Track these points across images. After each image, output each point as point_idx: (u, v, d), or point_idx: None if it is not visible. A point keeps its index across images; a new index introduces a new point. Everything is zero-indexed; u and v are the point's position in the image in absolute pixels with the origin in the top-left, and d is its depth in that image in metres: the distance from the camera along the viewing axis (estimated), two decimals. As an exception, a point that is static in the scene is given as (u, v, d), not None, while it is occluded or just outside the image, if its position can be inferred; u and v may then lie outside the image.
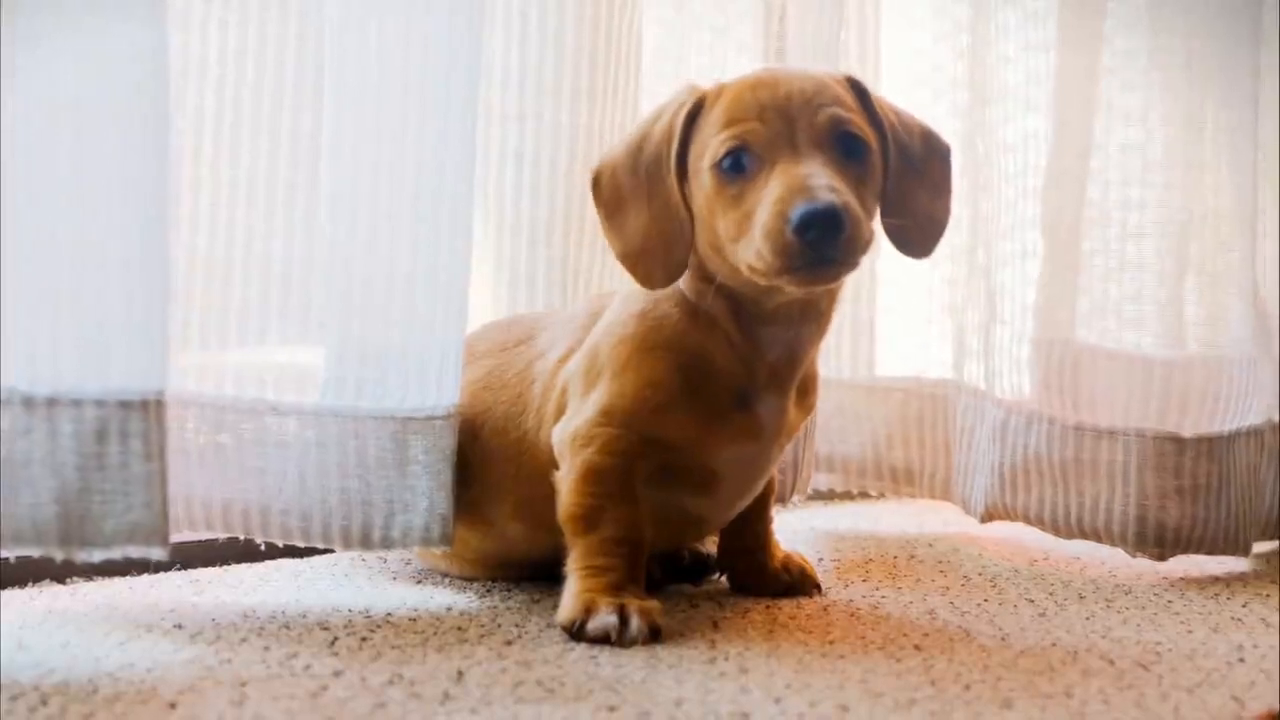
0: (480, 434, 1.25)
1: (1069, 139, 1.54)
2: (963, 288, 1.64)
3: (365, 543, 1.22)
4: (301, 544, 1.24)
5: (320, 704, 0.94)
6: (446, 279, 1.23)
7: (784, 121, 1.12)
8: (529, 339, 1.29)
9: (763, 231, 1.08)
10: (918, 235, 1.21)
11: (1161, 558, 1.48)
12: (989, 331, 1.57)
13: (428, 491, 1.22)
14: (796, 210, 1.06)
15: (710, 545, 1.37)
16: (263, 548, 1.30)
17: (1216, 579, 1.45)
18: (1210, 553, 1.49)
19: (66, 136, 1.04)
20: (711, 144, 1.13)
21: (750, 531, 1.32)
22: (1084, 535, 1.50)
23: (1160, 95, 1.53)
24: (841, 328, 1.69)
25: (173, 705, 0.93)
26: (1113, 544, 1.49)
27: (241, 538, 1.24)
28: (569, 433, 1.19)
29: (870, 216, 1.14)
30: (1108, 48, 1.54)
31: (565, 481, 1.18)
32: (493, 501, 1.26)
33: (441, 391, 1.23)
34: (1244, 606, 1.32)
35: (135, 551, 1.05)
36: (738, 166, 1.12)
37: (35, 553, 1.04)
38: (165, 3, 1.08)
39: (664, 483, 1.20)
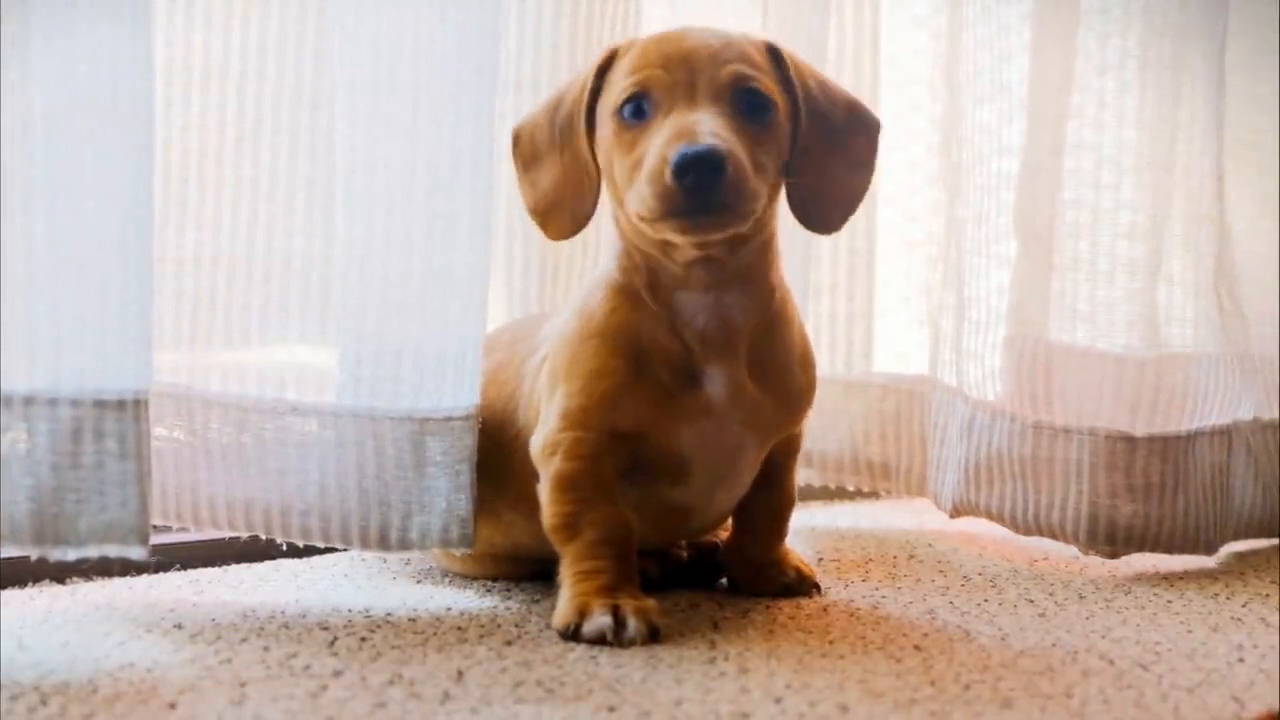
0: (487, 426, 1.26)
1: (1043, 138, 1.54)
2: (939, 286, 1.64)
3: (383, 544, 1.23)
4: (321, 544, 1.24)
5: (320, 704, 0.94)
6: (465, 276, 1.23)
7: (686, 72, 1.13)
8: (530, 336, 1.29)
9: (647, 175, 1.09)
10: (827, 206, 1.21)
11: (1113, 555, 1.49)
12: (960, 328, 1.57)
13: (445, 493, 1.22)
14: (675, 153, 1.06)
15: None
16: (264, 543, 1.30)
17: (1217, 579, 1.45)
18: (1167, 551, 1.49)
19: (41, 134, 1.03)
20: (614, 91, 1.15)
21: (756, 532, 1.31)
22: (1041, 532, 1.51)
23: (1134, 95, 1.53)
24: (821, 324, 1.69)
25: (173, 705, 0.93)
26: (1066, 541, 1.49)
27: (245, 536, 1.25)
28: (538, 444, 1.19)
29: (767, 176, 1.14)
30: (1082, 50, 1.54)
31: (543, 493, 1.19)
32: (497, 492, 1.26)
33: (459, 391, 1.23)
34: (1244, 606, 1.32)
35: (112, 550, 1.05)
36: (638, 113, 1.13)
37: (10, 550, 1.05)
38: (150, 2, 1.08)
39: (639, 476, 1.20)
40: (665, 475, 1.21)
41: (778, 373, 1.22)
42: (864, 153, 1.23)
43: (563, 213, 1.20)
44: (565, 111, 1.20)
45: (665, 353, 1.18)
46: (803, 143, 1.18)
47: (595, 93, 1.18)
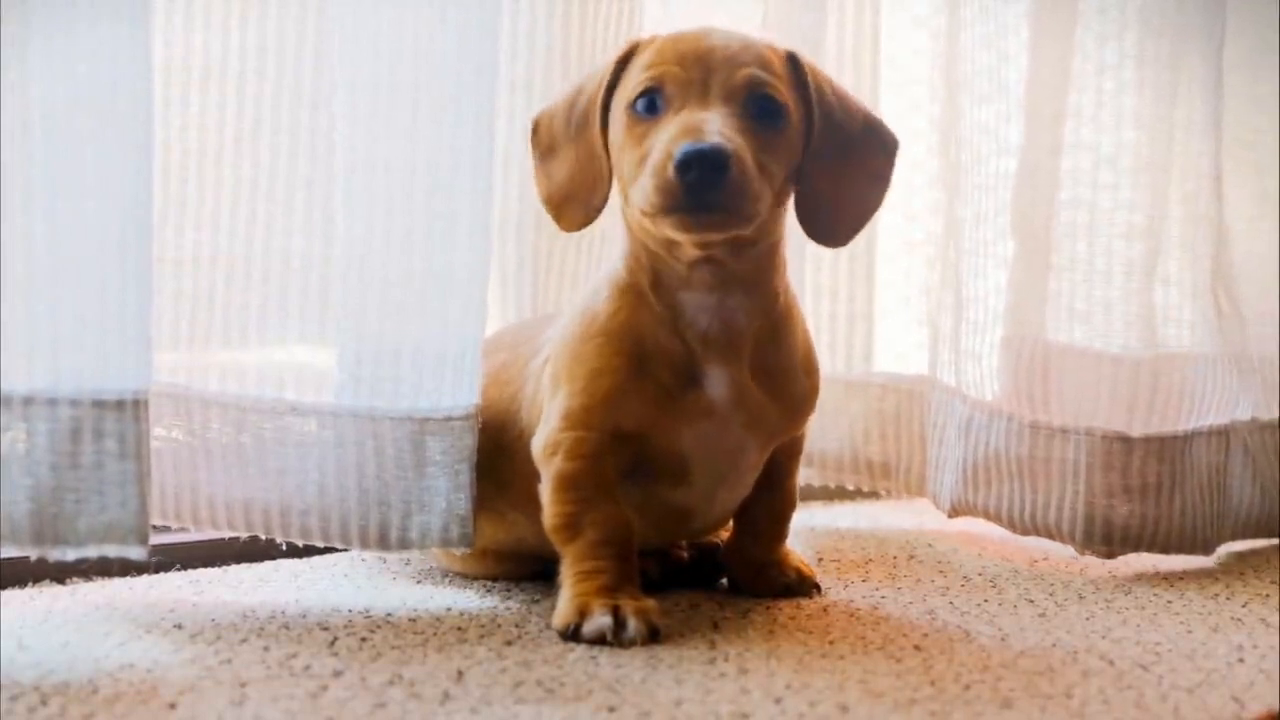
0: (489, 426, 1.26)
1: (1041, 138, 1.54)
2: (938, 286, 1.64)
3: (383, 543, 1.23)
4: (321, 544, 1.24)
5: (320, 704, 0.94)
6: (465, 276, 1.23)
7: (702, 71, 1.13)
8: (534, 338, 1.29)
9: (651, 169, 1.09)
10: (835, 219, 1.21)
11: (1110, 556, 1.49)
12: (958, 328, 1.58)
13: (445, 492, 1.23)
14: (680, 148, 1.07)
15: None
16: (264, 543, 1.30)
17: (1217, 579, 1.45)
18: (1164, 551, 1.49)
19: (41, 134, 1.03)
20: (630, 84, 1.15)
21: (757, 533, 1.31)
22: (1038, 532, 1.51)
23: (1131, 95, 1.53)
24: (821, 324, 1.69)
25: (173, 705, 0.93)
26: (1063, 541, 1.50)
27: (245, 536, 1.25)
28: (540, 444, 1.19)
29: (773, 181, 1.14)
30: (1080, 50, 1.54)
31: (544, 493, 1.18)
32: (500, 492, 1.26)
33: (459, 391, 1.23)
34: (1244, 606, 1.32)
35: (112, 550, 1.05)
36: (651, 108, 1.13)
37: (9, 550, 1.05)
38: (150, 3, 1.08)
39: (639, 477, 1.20)
40: (666, 476, 1.21)
41: (780, 377, 1.22)
42: (878, 169, 1.23)
43: (576, 204, 1.20)
44: (583, 103, 1.20)
45: (667, 353, 1.18)
46: (814, 153, 1.18)
47: (613, 86, 1.18)
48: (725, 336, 1.18)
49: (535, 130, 1.23)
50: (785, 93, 1.15)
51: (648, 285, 1.19)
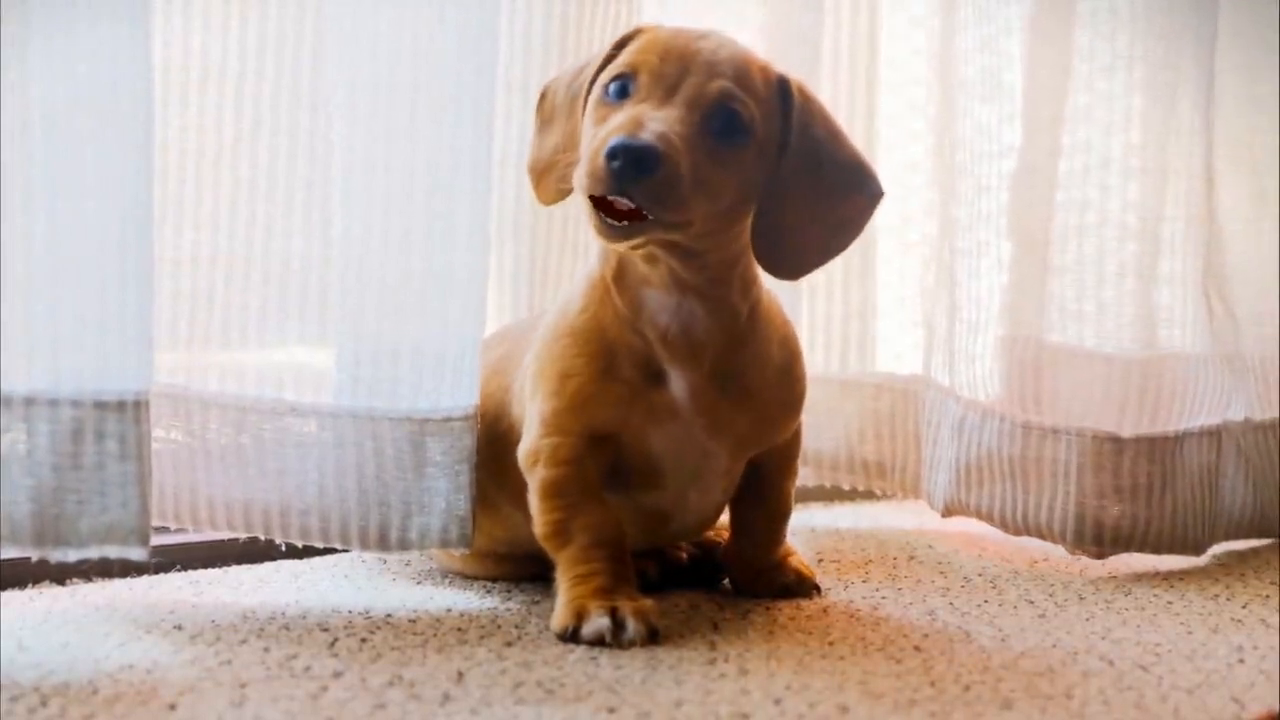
0: (485, 418, 1.26)
1: (1038, 139, 1.54)
2: (934, 286, 1.64)
3: (383, 544, 1.23)
4: (320, 544, 1.25)
5: (320, 705, 0.94)
6: (465, 277, 1.23)
7: (678, 69, 1.12)
8: (535, 330, 1.29)
9: (588, 151, 1.09)
10: (793, 253, 1.18)
11: (1100, 556, 1.49)
12: (953, 329, 1.58)
13: (445, 493, 1.23)
14: (614, 138, 1.06)
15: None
16: (264, 544, 1.31)
17: (1216, 580, 1.45)
18: (1155, 551, 1.50)
19: (41, 134, 1.03)
20: (613, 67, 1.15)
21: (754, 535, 1.31)
22: (1029, 532, 1.51)
23: (1126, 98, 1.53)
24: (817, 324, 1.69)
25: (173, 706, 0.93)
26: (1054, 541, 1.50)
27: (245, 536, 1.25)
28: (522, 452, 1.20)
29: (718, 198, 1.11)
30: (1078, 52, 1.54)
31: (531, 502, 1.19)
32: (497, 487, 1.26)
33: (458, 392, 1.23)
34: (1244, 607, 1.32)
35: (113, 551, 1.05)
36: (621, 93, 1.13)
37: (10, 551, 1.06)
38: (149, 3, 1.08)
39: (615, 481, 1.20)
40: (639, 478, 1.20)
41: (750, 390, 1.20)
42: (853, 214, 1.20)
43: (553, 177, 1.20)
44: (579, 79, 1.20)
45: (630, 349, 1.18)
46: (784, 181, 1.15)
47: (606, 66, 1.17)
48: (685, 339, 1.17)
49: (542, 98, 1.24)
50: (757, 113, 1.13)
51: (613, 279, 1.18)
